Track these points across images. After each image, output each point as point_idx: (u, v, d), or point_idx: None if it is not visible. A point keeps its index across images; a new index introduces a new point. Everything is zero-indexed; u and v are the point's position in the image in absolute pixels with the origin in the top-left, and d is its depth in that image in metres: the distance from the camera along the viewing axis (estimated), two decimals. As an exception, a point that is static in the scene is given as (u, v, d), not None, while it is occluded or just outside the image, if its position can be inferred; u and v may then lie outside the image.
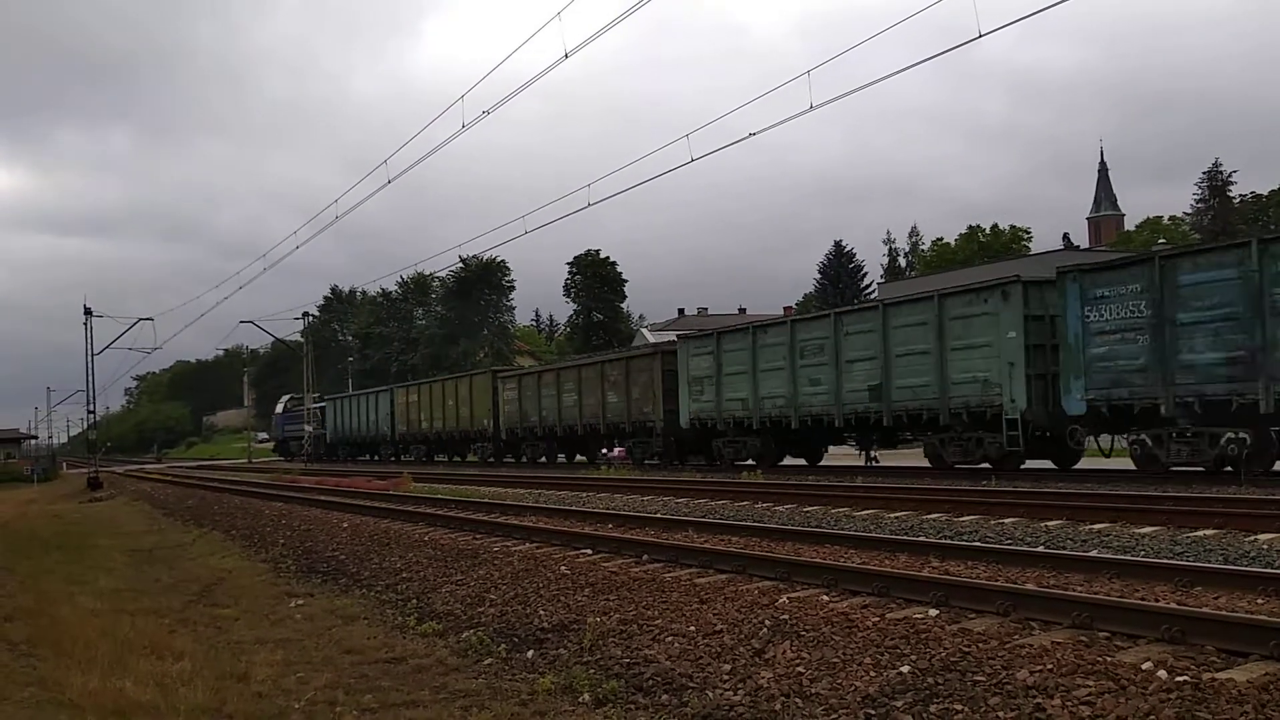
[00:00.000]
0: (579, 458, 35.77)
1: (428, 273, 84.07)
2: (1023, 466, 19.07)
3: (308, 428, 55.20)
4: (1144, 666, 5.24)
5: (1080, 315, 16.72)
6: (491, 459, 38.22)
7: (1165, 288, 15.53)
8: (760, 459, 24.35)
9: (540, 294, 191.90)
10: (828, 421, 22.27)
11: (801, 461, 25.84)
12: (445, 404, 41.02)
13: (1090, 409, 16.76)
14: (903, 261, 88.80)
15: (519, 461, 37.21)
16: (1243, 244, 15.12)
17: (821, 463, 25.91)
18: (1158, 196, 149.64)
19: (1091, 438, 18.46)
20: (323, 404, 58.03)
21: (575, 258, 77.71)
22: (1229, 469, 15.44)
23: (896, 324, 20.39)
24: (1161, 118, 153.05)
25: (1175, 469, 16.24)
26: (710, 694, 5.87)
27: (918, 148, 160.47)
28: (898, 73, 15.91)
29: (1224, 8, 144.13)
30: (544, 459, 35.05)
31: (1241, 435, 15.07)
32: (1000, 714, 4.93)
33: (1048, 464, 19.64)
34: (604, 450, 33.75)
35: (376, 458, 50.53)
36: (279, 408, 68.49)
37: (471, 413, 38.89)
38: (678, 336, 29.17)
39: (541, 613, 8.38)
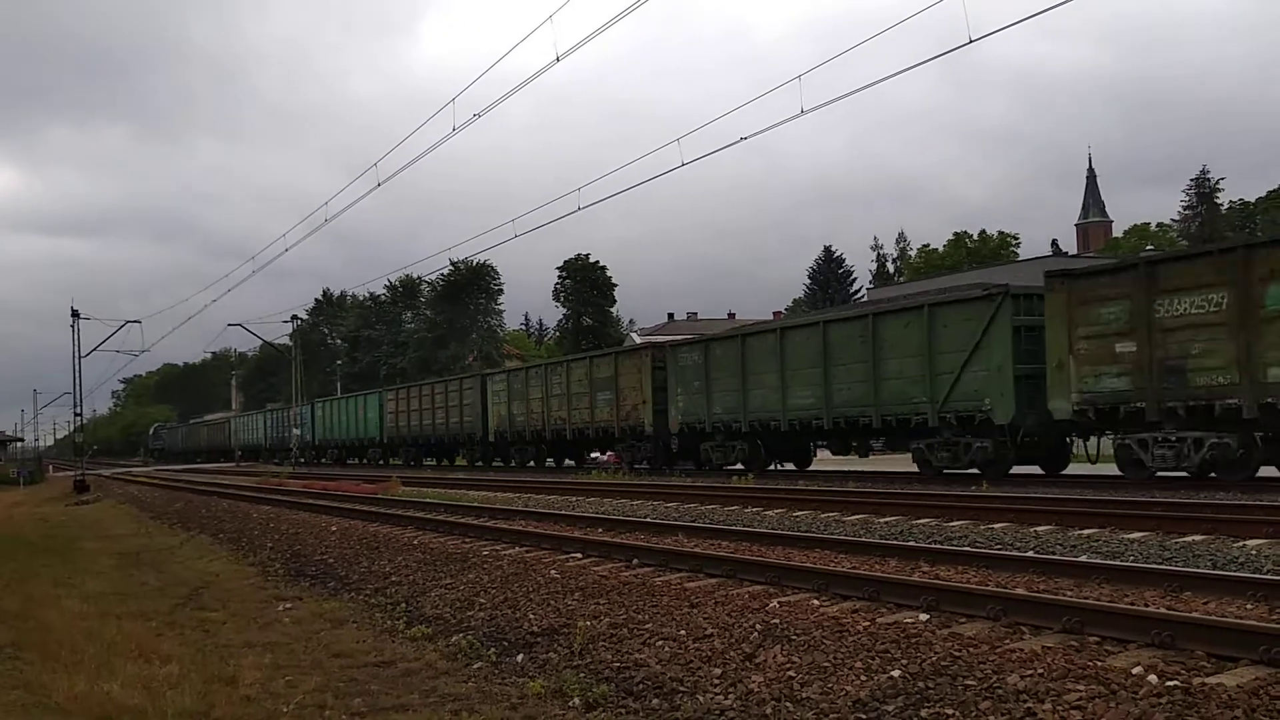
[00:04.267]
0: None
1: (417, 276, 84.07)
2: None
3: (296, 431, 55.07)
4: (1134, 671, 5.25)
5: None
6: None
7: None
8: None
9: (530, 298, 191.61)
10: None
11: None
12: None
13: None
14: (891, 267, 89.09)
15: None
16: None
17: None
18: (1155, 202, 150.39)
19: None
20: (165, 430, 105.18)
21: (565, 262, 77.70)
22: None
23: None
24: (1161, 122, 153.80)
25: None
26: (701, 698, 5.86)
27: (919, 152, 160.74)
28: (892, 76, 15.94)
29: (1228, 12, 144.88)
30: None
31: None
32: (991, 718, 4.94)
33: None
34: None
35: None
36: (151, 431, 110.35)
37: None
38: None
39: (531, 616, 8.35)
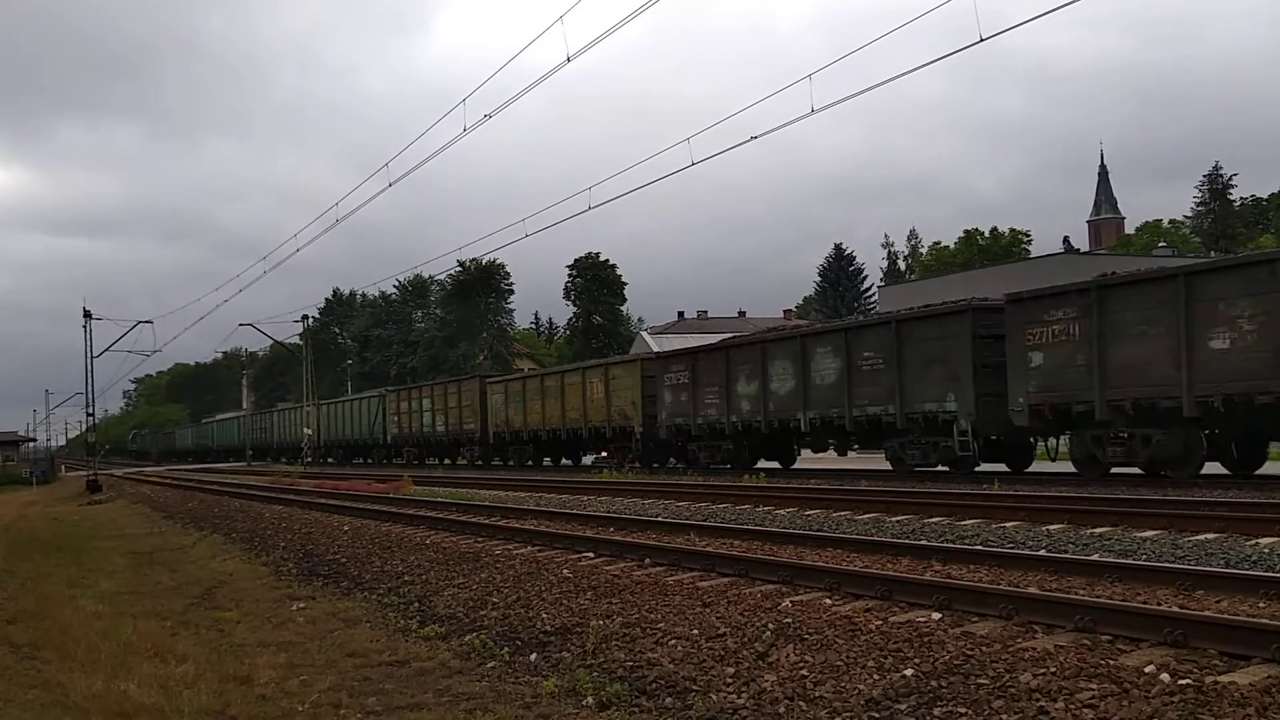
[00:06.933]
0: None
1: (428, 276, 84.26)
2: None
3: (307, 431, 55.14)
4: (1146, 669, 5.26)
5: None
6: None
7: None
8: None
9: (541, 296, 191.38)
10: None
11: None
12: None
13: None
14: (902, 265, 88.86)
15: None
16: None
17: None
18: (1168, 198, 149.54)
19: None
20: (140, 435, 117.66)
21: (575, 260, 77.86)
22: None
23: None
24: (1174, 117, 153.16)
25: None
26: (714, 697, 5.88)
27: (932, 148, 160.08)
28: (906, 74, 15.78)
29: (1244, 6, 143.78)
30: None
31: None
32: (1004, 717, 4.95)
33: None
34: None
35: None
36: (130, 436, 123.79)
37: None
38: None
39: (544, 616, 8.39)
